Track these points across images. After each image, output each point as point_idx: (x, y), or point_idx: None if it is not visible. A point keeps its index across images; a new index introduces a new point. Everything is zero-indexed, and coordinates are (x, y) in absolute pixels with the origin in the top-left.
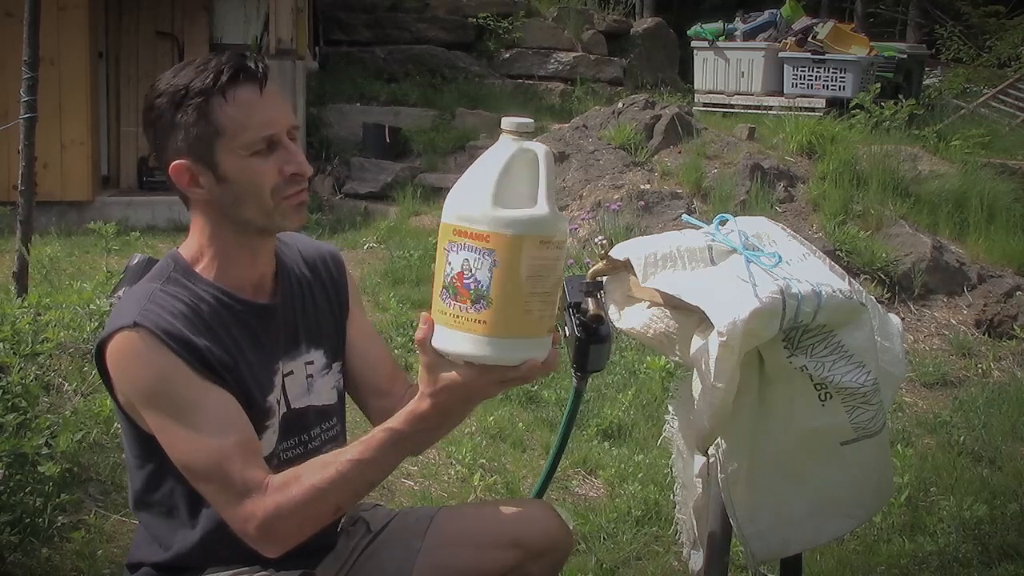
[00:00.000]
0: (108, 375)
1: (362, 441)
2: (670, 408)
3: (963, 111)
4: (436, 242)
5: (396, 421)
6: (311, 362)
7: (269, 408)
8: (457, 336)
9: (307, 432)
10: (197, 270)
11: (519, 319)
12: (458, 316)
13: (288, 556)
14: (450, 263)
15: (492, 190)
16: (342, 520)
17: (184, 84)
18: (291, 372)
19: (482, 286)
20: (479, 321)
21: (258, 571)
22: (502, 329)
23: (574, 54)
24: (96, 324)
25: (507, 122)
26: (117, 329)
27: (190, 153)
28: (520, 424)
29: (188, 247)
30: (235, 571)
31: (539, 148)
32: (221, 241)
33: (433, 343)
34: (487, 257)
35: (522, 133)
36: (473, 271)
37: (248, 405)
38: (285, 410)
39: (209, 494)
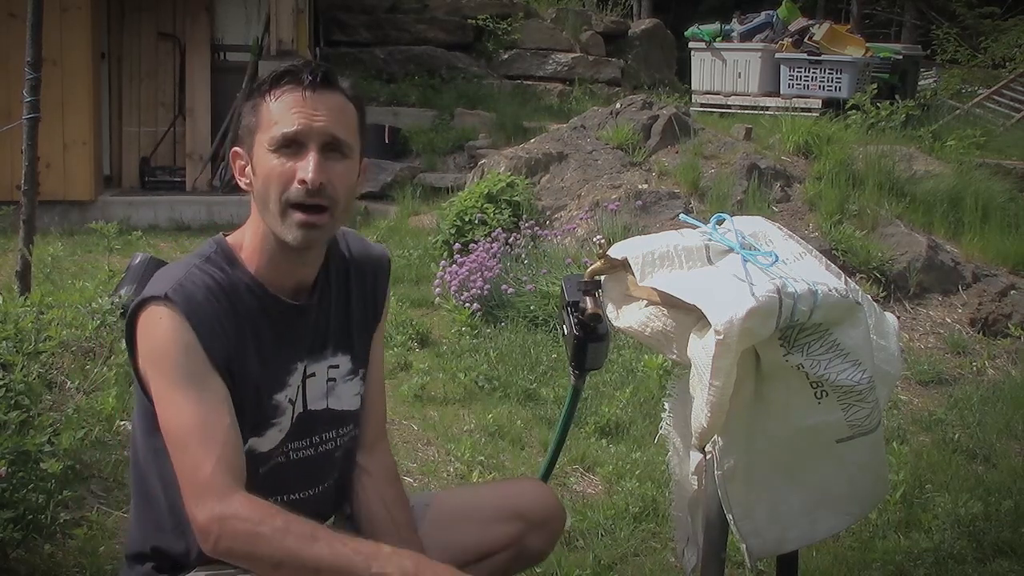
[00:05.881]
0: (135, 339)
1: (358, 541)
2: (667, 406)
3: (958, 111)
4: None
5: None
6: (335, 366)
7: (276, 406)
8: None
9: (318, 434)
10: (241, 257)
11: None
12: None
13: None
14: None
15: None
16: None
17: (258, 82)
18: (313, 374)
19: None
20: None
21: None
22: None
23: (572, 55)
24: (98, 323)
25: None
26: (150, 298)
27: (241, 141)
28: (519, 422)
29: (237, 235)
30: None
31: None
32: (267, 240)
33: None
34: None
35: None
36: None
37: (254, 401)
38: (301, 410)
39: (179, 462)
